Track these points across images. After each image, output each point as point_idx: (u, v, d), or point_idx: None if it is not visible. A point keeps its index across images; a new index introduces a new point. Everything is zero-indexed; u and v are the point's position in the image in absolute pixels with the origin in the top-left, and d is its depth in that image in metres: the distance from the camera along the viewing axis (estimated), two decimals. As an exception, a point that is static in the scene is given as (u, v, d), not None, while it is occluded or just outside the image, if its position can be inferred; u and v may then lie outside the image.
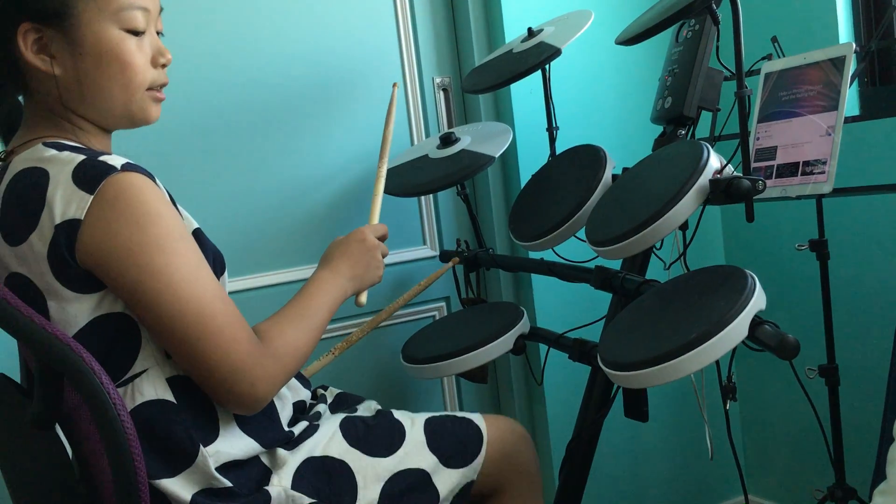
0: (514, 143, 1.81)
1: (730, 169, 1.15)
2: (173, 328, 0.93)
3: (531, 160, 1.80)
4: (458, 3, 1.87)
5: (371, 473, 1.10)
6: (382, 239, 1.28)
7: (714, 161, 1.14)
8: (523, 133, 1.82)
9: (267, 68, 1.69)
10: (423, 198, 1.86)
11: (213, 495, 0.98)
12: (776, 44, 1.52)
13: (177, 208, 1.00)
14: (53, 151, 0.94)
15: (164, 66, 1.04)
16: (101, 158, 0.93)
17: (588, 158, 1.47)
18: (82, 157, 0.93)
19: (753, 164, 1.38)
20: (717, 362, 1.08)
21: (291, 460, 1.06)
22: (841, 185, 1.31)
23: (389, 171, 1.68)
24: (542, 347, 1.65)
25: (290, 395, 1.16)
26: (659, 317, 1.13)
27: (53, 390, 0.94)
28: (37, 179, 0.92)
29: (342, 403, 1.30)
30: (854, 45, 1.31)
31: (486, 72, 1.66)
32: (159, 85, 1.04)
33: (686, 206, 1.11)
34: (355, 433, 1.13)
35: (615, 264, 1.43)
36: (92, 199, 0.90)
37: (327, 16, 1.75)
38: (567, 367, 1.55)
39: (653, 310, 1.17)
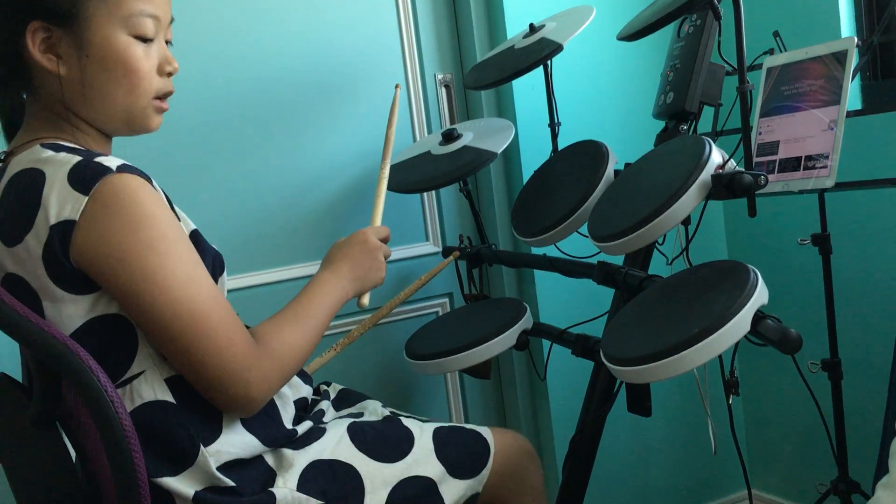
0: (516, 139, 1.81)
1: (732, 164, 1.15)
2: (167, 329, 0.93)
3: (533, 156, 1.80)
4: (460, 0, 1.87)
5: (378, 478, 1.09)
6: (385, 241, 1.27)
7: (716, 156, 1.14)
8: (525, 129, 1.82)
9: (268, 65, 1.69)
10: (425, 194, 1.86)
11: (217, 493, 0.98)
12: (778, 38, 1.51)
13: (174, 210, 1.00)
14: (51, 153, 0.94)
15: (169, 74, 1.04)
16: (98, 160, 0.93)
17: (590, 154, 1.47)
18: (79, 158, 0.93)
19: (755, 159, 1.38)
20: (720, 357, 1.08)
21: (297, 462, 1.05)
22: (843, 179, 1.31)
23: (392, 167, 1.68)
24: (545, 343, 1.66)
25: (291, 394, 1.15)
26: (661, 312, 1.13)
27: (52, 389, 0.94)
28: (33, 180, 0.92)
29: (345, 400, 1.30)
30: (856, 40, 1.31)
31: (488, 68, 1.66)
32: (164, 94, 1.04)
33: (688, 202, 1.11)
34: (364, 438, 1.13)
35: (618, 260, 1.43)
36: (86, 201, 0.90)
37: (329, 13, 1.75)
38: (570, 363, 1.55)
39: (655, 305, 1.17)
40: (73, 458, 1.03)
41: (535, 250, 1.69)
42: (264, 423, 1.05)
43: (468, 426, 1.23)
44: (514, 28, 1.80)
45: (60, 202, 0.90)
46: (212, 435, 0.99)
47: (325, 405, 1.21)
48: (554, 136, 1.66)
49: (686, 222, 1.28)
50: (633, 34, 1.32)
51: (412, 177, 1.64)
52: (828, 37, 1.68)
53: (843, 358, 1.44)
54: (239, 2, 1.66)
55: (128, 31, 0.98)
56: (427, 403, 1.87)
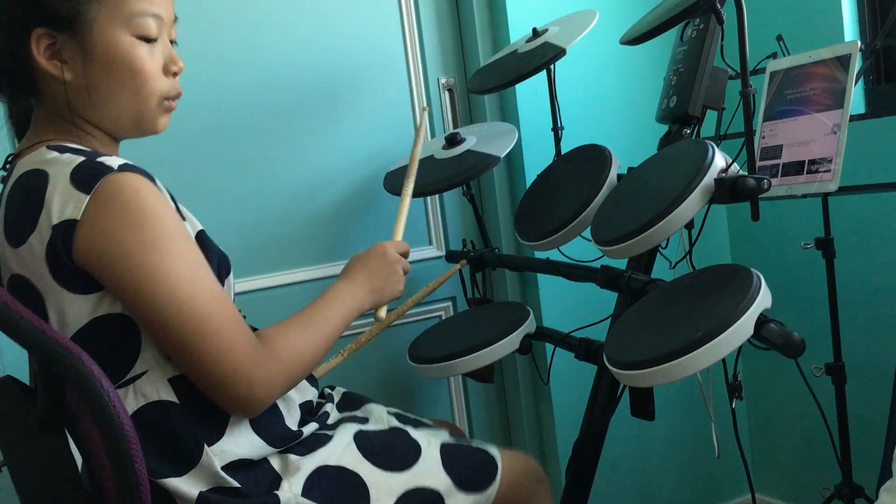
0: (519, 143, 1.81)
1: (735, 168, 1.15)
2: (169, 328, 0.92)
3: (536, 160, 1.80)
4: (463, 4, 1.87)
5: (384, 487, 1.08)
6: (404, 255, 1.27)
7: (719, 160, 1.14)
8: (528, 133, 1.83)
9: (273, 70, 1.70)
10: (428, 198, 1.86)
11: (222, 493, 0.98)
12: (781, 42, 1.51)
13: (179, 210, 1.00)
14: (55, 154, 0.95)
15: (175, 74, 1.04)
16: (100, 159, 0.93)
17: (593, 158, 1.47)
18: (82, 158, 0.93)
19: (759, 163, 1.38)
20: (724, 361, 1.08)
21: (303, 467, 1.05)
22: (846, 183, 1.31)
23: (395, 172, 1.69)
24: (549, 347, 1.65)
25: (296, 397, 1.15)
26: (665, 316, 1.13)
27: (56, 393, 0.94)
28: (37, 181, 0.93)
29: (349, 403, 1.30)
30: (859, 43, 1.31)
31: (491, 72, 1.66)
32: (173, 95, 1.04)
33: (691, 205, 1.11)
34: (370, 446, 1.12)
35: (621, 263, 1.43)
36: (88, 200, 0.90)
37: (333, 17, 1.75)
38: (573, 367, 1.55)
39: (658, 309, 1.17)
40: (79, 465, 1.03)
41: (539, 254, 1.69)
42: (270, 423, 1.05)
43: (476, 443, 1.22)
44: (518, 32, 1.81)
45: (63, 202, 0.91)
46: (216, 434, 0.99)
47: (329, 408, 1.21)
48: (557, 140, 1.67)
49: (689, 226, 1.28)
50: (635, 38, 1.32)
51: (415, 181, 1.64)
52: (831, 41, 1.68)
53: (847, 362, 1.44)
54: (244, 8, 1.67)
55: (130, 31, 0.98)
56: (430, 407, 1.87)
